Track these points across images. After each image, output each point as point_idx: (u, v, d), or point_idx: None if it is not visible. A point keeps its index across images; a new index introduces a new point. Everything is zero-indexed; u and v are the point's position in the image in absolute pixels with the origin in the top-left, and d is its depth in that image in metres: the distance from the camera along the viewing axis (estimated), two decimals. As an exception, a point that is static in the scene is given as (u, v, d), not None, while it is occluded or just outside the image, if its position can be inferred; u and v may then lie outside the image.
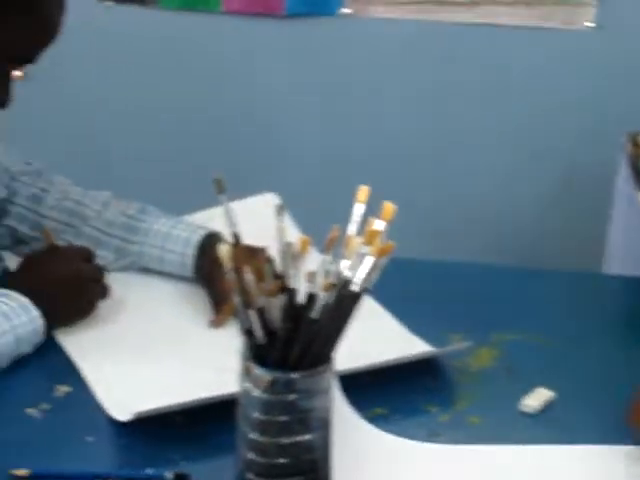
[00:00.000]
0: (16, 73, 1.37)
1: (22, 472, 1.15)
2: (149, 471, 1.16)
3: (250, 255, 1.10)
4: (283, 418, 1.09)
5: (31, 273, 1.43)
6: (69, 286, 1.41)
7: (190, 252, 1.51)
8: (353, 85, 2.67)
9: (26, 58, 1.34)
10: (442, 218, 2.75)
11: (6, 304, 1.34)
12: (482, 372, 1.37)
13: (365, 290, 1.09)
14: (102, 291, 1.45)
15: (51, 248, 1.48)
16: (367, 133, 2.70)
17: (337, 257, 1.09)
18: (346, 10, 2.59)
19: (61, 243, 1.51)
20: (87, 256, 1.47)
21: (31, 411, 1.26)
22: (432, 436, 1.24)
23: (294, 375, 1.08)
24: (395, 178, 2.52)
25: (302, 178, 2.68)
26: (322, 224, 1.15)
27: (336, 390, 1.16)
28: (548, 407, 1.29)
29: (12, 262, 1.55)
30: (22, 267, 1.45)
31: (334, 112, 2.69)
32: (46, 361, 1.36)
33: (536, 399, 1.30)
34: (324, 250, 1.09)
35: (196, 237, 1.51)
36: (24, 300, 1.36)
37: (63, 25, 1.34)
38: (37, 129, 2.57)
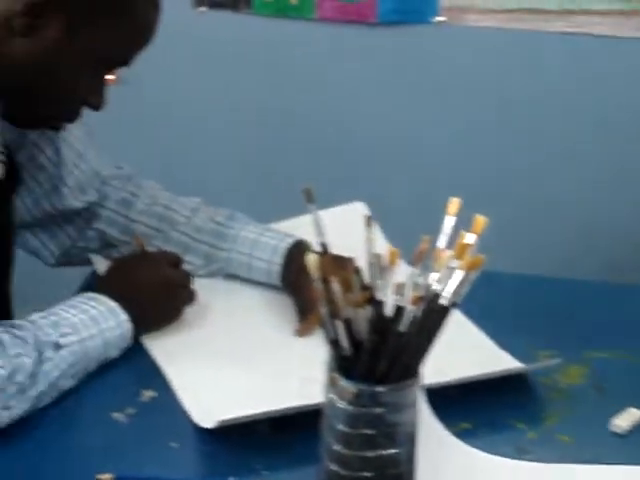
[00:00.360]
0: (109, 77, 1.38)
1: (107, 477, 1.16)
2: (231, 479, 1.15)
3: (338, 265, 1.09)
4: (368, 431, 1.08)
5: (120, 278, 1.44)
6: (157, 291, 1.42)
7: (277, 260, 1.51)
8: (446, 93, 2.65)
9: (121, 61, 1.35)
10: (530, 230, 2.71)
11: (95, 308, 1.35)
12: (571, 390, 1.34)
13: (454, 304, 1.07)
14: (189, 296, 1.45)
15: (141, 253, 1.49)
16: (459, 143, 2.67)
17: (426, 270, 1.08)
18: (440, 18, 2.58)
19: (150, 248, 1.52)
20: (175, 262, 1.48)
21: (117, 415, 1.27)
22: (520, 453, 1.22)
23: (380, 388, 1.06)
24: (486, 190, 2.49)
25: (390, 187, 2.66)
26: (411, 235, 1.13)
27: (423, 404, 1.14)
28: (638, 428, 1.26)
29: (101, 265, 1.57)
30: (111, 271, 1.47)
31: (425, 121, 2.67)
32: (132, 365, 1.37)
33: (626, 419, 1.27)
34: (413, 262, 1.07)
35: (284, 245, 1.51)
36: (113, 304, 1.37)
37: (157, 28, 1.35)
38: (128, 133, 2.59)
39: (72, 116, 1.38)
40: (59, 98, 1.34)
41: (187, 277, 1.46)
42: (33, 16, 1.26)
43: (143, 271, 1.44)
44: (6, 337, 1.25)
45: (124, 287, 1.41)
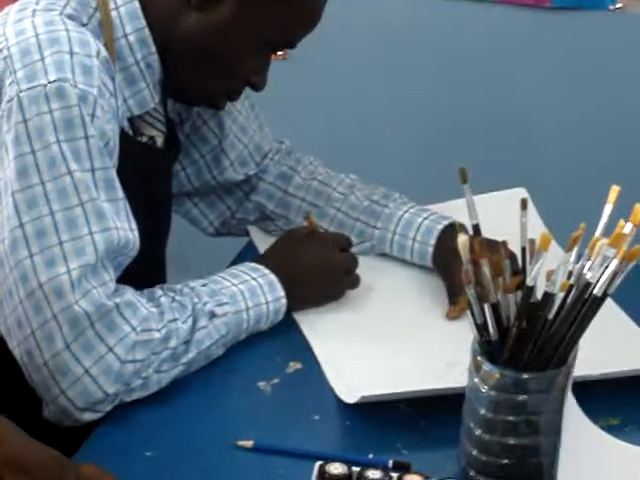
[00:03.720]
0: (278, 52, 1.39)
1: (247, 444, 1.17)
2: (370, 456, 1.15)
3: (490, 249, 1.07)
4: (510, 418, 1.06)
5: (286, 254, 1.45)
6: (320, 274, 1.43)
7: (431, 242, 1.49)
8: (619, 82, 2.58)
9: (288, 43, 1.37)
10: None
11: (255, 279, 1.37)
12: None
13: (606, 294, 1.04)
14: (352, 282, 1.45)
15: (311, 233, 1.49)
16: (630, 131, 2.60)
17: (581, 257, 1.05)
18: (617, 5, 2.51)
19: (304, 223, 1.52)
20: (345, 245, 1.48)
21: (262, 384, 1.28)
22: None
23: (524, 375, 1.05)
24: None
25: (556, 174, 2.61)
26: (572, 220, 1.11)
27: (569, 396, 1.12)
28: None
29: (257, 236, 1.59)
30: (278, 245, 1.47)
31: (597, 108, 2.60)
32: (281, 336, 1.38)
33: None
34: (567, 249, 1.05)
35: (439, 227, 1.50)
36: (273, 278, 1.38)
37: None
38: (292, 109, 2.61)
39: (234, 94, 1.40)
40: (224, 75, 1.36)
41: (354, 262, 1.46)
42: None
43: (310, 252, 1.44)
44: (165, 301, 1.27)
45: (288, 263, 1.41)
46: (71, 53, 1.21)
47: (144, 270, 1.30)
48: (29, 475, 1.02)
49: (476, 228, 1.15)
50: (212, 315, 1.30)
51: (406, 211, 1.53)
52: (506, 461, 1.08)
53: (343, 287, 1.45)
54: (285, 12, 1.31)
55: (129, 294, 1.23)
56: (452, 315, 1.40)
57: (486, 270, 1.06)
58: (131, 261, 1.27)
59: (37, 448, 1.06)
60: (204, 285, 1.33)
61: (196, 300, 1.30)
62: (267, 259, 1.42)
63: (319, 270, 1.43)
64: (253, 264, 1.40)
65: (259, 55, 1.35)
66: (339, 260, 1.45)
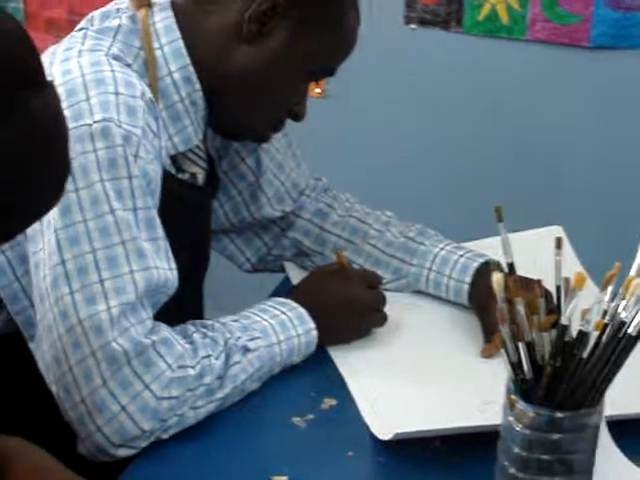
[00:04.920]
0: (316, 90, 1.41)
1: (281, 479, 1.17)
2: (404, 493, 1.16)
3: (524, 287, 1.08)
4: (545, 457, 1.06)
5: (314, 288, 1.46)
6: (348, 310, 1.43)
7: (467, 279, 1.50)
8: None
9: (329, 71, 1.38)
10: None
11: (284, 313, 1.38)
12: None
13: (641, 334, 1.04)
14: (380, 320, 1.46)
15: (340, 269, 1.50)
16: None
17: (616, 296, 1.05)
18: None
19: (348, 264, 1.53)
20: (373, 283, 1.49)
21: (297, 420, 1.29)
22: None
23: (559, 414, 1.04)
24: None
25: (592, 212, 2.60)
26: (608, 259, 1.11)
27: (604, 434, 1.11)
28: None
29: (293, 272, 1.60)
30: (307, 281, 1.49)
31: (634, 149, 2.60)
32: (315, 372, 1.38)
33: None
34: (602, 288, 1.05)
35: (474, 264, 1.50)
36: (302, 310, 1.39)
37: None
38: (328, 146, 2.63)
39: (278, 126, 1.42)
40: (272, 106, 1.38)
41: (381, 300, 1.46)
42: (262, 24, 1.31)
43: (339, 287, 1.45)
44: (198, 337, 1.29)
45: (315, 299, 1.42)
46: (116, 94, 1.23)
47: (183, 307, 1.31)
48: None
49: (511, 266, 1.15)
50: (245, 350, 1.31)
51: (442, 248, 1.54)
52: (540, 499, 1.07)
53: (368, 324, 1.45)
54: (330, 38, 1.34)
55: (165, 331, 1.25)
56: (486, 353, 1.40)
57: (521, 308, 1.06)
58: (170, 298, 1.28)
59: None
60: (235, 320, 1.34)
61: (228, 335, 1.31)
62: (295, 294, 1.44)
63: (344, 306, 1.43)
64: (281, 299, 1.41)
65: (304, 84, 1.38)
66: (365, 297, 1.46)
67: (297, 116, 1.40)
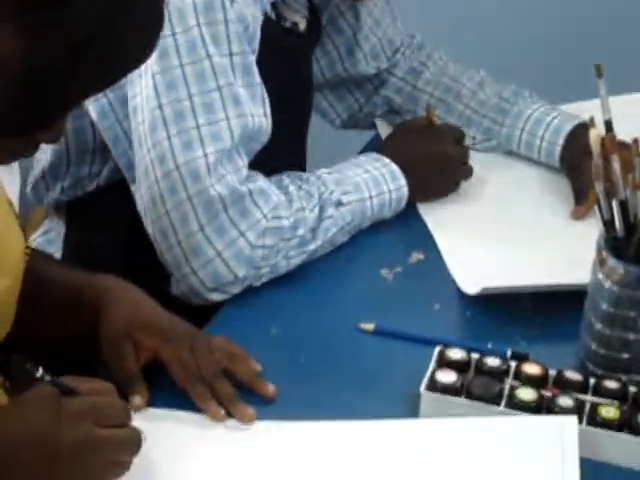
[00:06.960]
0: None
1: (369, 326, 1.20)
2: (489, 346, 1.17)
3: (621, 146, 1.07)
4: (632, 313, 1.07)
5: (404, 144, 1.46)
6: (436, 165, 1.44)
7: (560, 141, 1.49)
8: None
9: None
10: None
11: (378, 169, 1.38)
12: None
13: None
14: (466, 172, 1.46)
15: (428, 124, 1.50)
16: None
17: None
18: None
19: (436, 120, 1.53)
20: (459, 137, 1.49)
21: (385, 272, 1.31)
22: None
23: (649, 271, 1.05)
24: None
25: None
26: None
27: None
28: None
29: (384, 130, 1.60)
30: (397, 136, 1.49)
31: None
32: (404, 226, 1.39)
33: None
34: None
35: (568, 126, 1.48)
36: (394, 167, 1.39)
37: None
38: (423, 3, 2.56)
39: None
40: None
41: (466, 153, 1.47)
42: None
43: (427, 142, 1.45)
44: (293, 189, 1.30)
45: (406, 154, 1.42)
46: None
47: (285, 164, 1.32)
48: (164, 340, 1.07)
49: (608, 124, 1.14)
50: (338, 203, 1.32)
51: (536, 109, 1.52)
52: (625, 355, 1.09)
53: (457, 177, 1.46)
54: None
55: (261, 181, 1.26)
56: (578, 214, 1.40)
57: (616, 166, 1.06)
58: (273, 153, 1.29)
59: (171, 317, 1.11)
60: (329, 174, 1.35)
61: (323, 189, 1.32)
62: (388, 149, 1.44)
63: (436, 162, 1.44)
64: (375, 154, 1.42)
65: None
66: (452, 151, 1.46)
67: None
